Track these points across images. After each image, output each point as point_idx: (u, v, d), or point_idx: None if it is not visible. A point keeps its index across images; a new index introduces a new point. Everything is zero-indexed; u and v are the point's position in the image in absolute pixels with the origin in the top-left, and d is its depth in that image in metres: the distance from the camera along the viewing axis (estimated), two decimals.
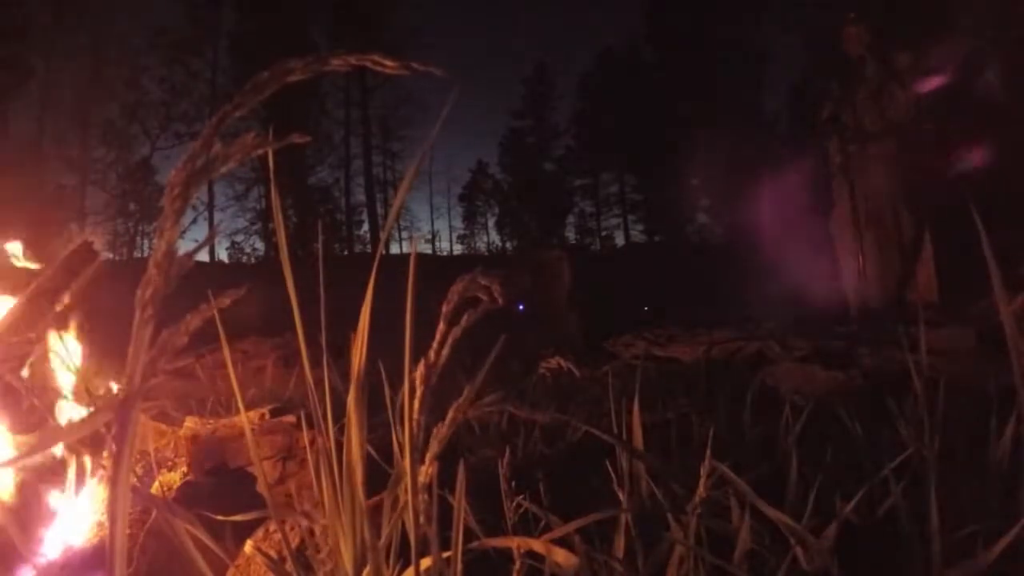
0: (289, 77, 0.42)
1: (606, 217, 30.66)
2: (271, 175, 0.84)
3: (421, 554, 0.67)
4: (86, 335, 1.48)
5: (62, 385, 1.41)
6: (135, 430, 0.44)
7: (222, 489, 1.47)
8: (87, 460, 1.29)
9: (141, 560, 1.17)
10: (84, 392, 1.40)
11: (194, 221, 21.65)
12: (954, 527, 0.93)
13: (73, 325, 1.46)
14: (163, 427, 1.84)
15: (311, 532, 0.88)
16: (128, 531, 1.16)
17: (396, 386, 0.78)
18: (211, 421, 1.79)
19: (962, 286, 3.82)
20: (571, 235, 30.25)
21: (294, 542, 1.06)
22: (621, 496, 1.10)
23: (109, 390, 1.53)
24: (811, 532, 0.89)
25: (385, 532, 0.78)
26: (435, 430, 0.64)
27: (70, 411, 1.39)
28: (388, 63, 0.43)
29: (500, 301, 0.58)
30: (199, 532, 0.74)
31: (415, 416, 0.61)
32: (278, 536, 1.13)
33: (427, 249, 29.94)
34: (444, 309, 0.61)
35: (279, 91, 0.45)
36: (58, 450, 1.26)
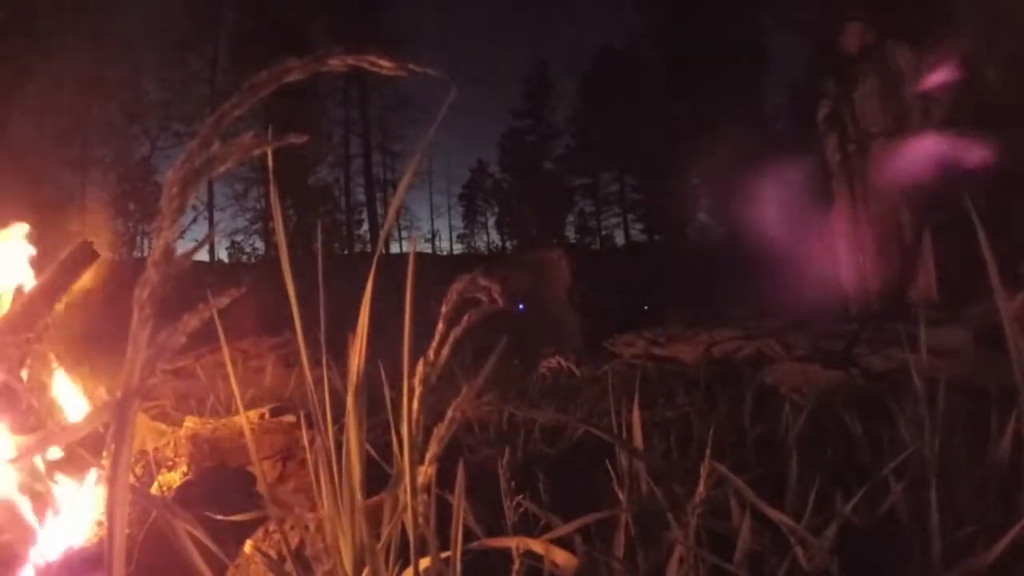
0: (287, 77, 0.42)
1: (606, 216, 30.66)
2: (270, 175, 0.84)
3: (420, 554, 0.67)
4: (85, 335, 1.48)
5: (61, 385, 1.41)
6: (133, 430, 0.44)
7: (222, 489, 1.47)
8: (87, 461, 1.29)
9: (141, 560, 1.17)
10: (83, 392, 1.40)
11: (194, 221, 21.65)
12: (954, 527, 0.92)
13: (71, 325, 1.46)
14: (163, 427, 1.84)
15: (308, 531, 0.87)
16: (128, 531, 1.16)
17: (396, 385, 0.78)
18: (211, 421, 1.79)
19: (962, 285, 3.82)
20: (571, 234, 30.26)
21: (294, 542, 1.06)
22: (621, 496, 1.10)
23: (108, 390, 1.53)
24: (811, 532, 0.89)
25: (385, 532, 0.78)
26: (435, 430, 0.64)
27: (69, 411, 1.39)
28: (385, 63, 0.43)
29: (500, 303, 0.58)
30: (199, 532, 0.74)
31: (414, 416, 0.61)
32: (278, 536, 1.13)
33: (427, 248, 29.95)
34: (444, 309, 0.61)
35: (278, 91, 0.45)
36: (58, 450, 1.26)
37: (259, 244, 24.47)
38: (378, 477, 0.92)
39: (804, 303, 4.89)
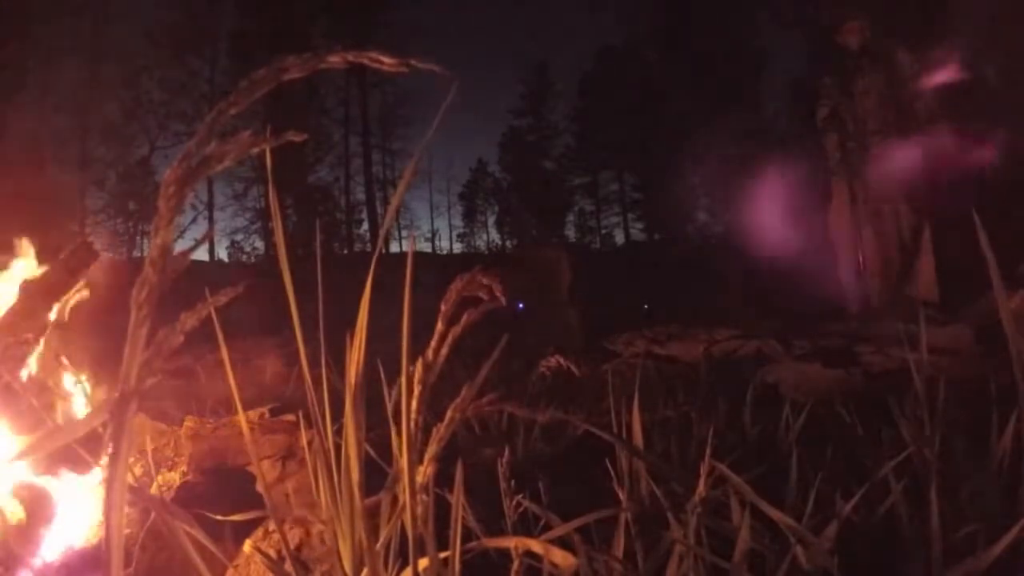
0: (285, 75, 0.42)
1: (606, 215, 30.63)
2: (270, 174, 0.84)
3: (419, 554, 0.67)
4: (84, 335, 1.48)
5: (60, 384, 1.41)
6: (132, 430, 0.44)
7: (222, 489, 1.47)
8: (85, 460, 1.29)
9: (142, 560, 1.17)
10: (81, 392, 1.40)
11: (194, 220, 21.62)
12: (954, 527, 0.92)
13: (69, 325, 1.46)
14: (163, 427, 1.84)
15: (308, 532, 0.87)
16: (128, 531, 1.16)
17: (395, 384, 0.78)
18: (211, 421, 1.79)
19: (962, 284, 3.82)
20: (571, 233, 30.23)
21: (293, 542, 1.06)
22: (621, 495, 1.10)
23: (107, 390, 1.53)
24: (811, 531, 0.89)
25: (384, 532, 0.78)
26: (434, 430, 0.64)
27: (68, 410, 1.39)
28: (386, 60, 0.43)
29: (503, 300, 0.58)
30: (198, 532, 0.73)
31: (413, 416, 0.61)
32: (278, 536, 1.13)
33: (427, 248, 29.93)
34: (443, 308, 0.61)
35: (278, 90, 0.45)
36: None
37: (259, 244, 24.45)
38: (378, 477, 0.92)
39: (804, 302, 4.89)
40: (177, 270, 0.40)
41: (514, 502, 1.12)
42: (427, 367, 0.60)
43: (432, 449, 0.63)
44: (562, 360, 3.55)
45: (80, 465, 1.28)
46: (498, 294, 0.60)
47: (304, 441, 1.40)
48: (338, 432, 0.79)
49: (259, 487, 1.41)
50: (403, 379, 0.63)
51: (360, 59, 0.43)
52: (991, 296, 0.85)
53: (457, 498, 0.72)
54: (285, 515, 1.07)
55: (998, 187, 4.02)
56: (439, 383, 0.63)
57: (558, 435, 1.87)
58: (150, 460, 1.57)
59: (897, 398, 1.42)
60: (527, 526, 1.16)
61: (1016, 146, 4.34)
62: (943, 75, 4.29)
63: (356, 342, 0.75)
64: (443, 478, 0.74)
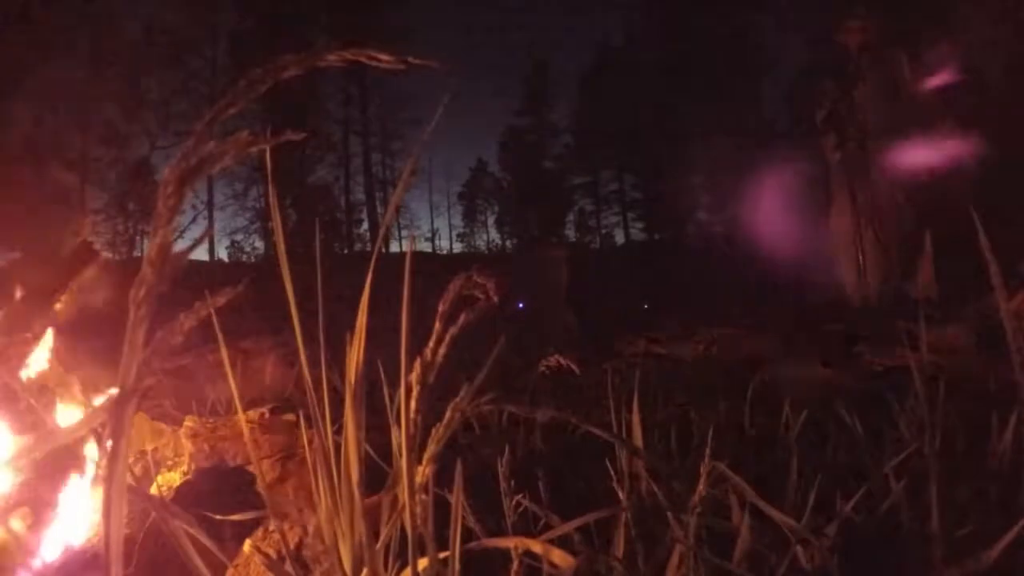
0: (284, 73, 0.42)
1: (606, 215, 30.64)
2: (269, 174, 0.84)
3: (419, 554, 0.67)
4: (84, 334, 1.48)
5: (59, 384, 1.41)
6: (131, 429, 0.44)
7: (222, 489, 1.47)
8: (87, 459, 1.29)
9: (142, 560, 1.17)
10: (80, 391, 1.40)
11: (194, 220, 21.59)
12: (954, 526, 0.92)
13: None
14: (163, 427, 1.84)
15: (307, 532, 0.87)
16: (128, 531, 1.16)
17: (395, 384, 0.78)
18: (211, 421, 1.79)
19: (962, 283, 3.82)
20: (571, 233, 30.24)
21: (293, 542, 1.06)
22: (621, 494, 1.10)
23: (106, 389, 1.53)
24: (811, 531, 0.89)
25: (384, 532, 0.78)
26: (433, 430, 0.64)
27: (67, 410, 1.39)
28: (384, 57, 0.43)
29: (495, 299, 0.58)
30: (197, 532, 0.73)
31: (412, 416, 0.61)
32: (277, 536, 1.13)
33: (427, 247, 29.92)
34: (441, 308, 0.61)
35: (278, 91, 0.45)
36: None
37: (259, 243, 24.43)
38: (378, 477, 0.92)
39: (804, 301, 4.89)
40: (176, 270, 0.40)
41: (514, 502, 1.12)
42: (426, 366, 0.60)
43: (432, 449, 0.63)
44: (562, 360, 3.54)
45: (80, 465, 1.28)
46: (492, 294, 0.60)
47: (304, 441, 1.39)
48: (338, 432, 0.79)
49: (259, 487, 1.41)
50: (402, 379, 0.63)
51: (358, 57, 0.43)
52: (991, 296, 0.85)
53: (457, 498, 0.72)
54: (285, 515, 1.07)
55: (998, 187, 4.02)
56: (439, 383, 0.63)
57: (558, 435, 1.87)
58: (150, 460, 1.57)
59: (897, 397, 1.42)
60: (527, 526, 1.16)
61: (1015, 146, 4.34)
62: (943, 76, 4.29)
63: (356, 342, 0.75)
64: (443, 478, 0.74)
